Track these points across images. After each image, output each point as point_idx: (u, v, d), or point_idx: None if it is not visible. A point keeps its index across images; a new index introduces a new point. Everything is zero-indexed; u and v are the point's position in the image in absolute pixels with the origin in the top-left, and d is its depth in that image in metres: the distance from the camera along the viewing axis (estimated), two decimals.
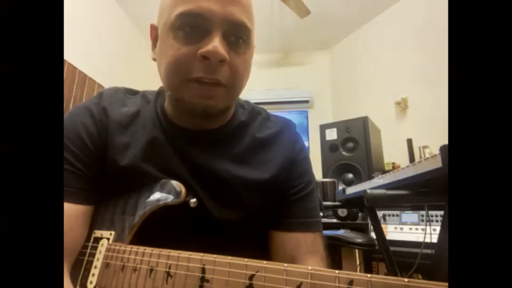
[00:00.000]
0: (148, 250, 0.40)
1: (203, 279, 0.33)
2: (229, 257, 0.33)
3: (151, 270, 0.38)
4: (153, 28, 0.51)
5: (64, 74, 1.84)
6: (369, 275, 0.25)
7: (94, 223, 0.50)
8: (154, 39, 0.51)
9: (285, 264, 0.29)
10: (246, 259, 0.31)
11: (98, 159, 0.49)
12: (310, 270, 0.27)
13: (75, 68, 1.92)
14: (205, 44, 0.43)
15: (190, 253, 0.36)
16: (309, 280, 0.27)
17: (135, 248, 0.42)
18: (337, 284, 0.26)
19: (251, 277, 0.30)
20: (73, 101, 1.89)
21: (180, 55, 0.44)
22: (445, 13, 1.85)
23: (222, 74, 0.44)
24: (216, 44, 0.42)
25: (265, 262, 0.30)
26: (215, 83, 0.44)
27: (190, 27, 0.44)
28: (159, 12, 0.49)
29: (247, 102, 0.61)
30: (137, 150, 0.49)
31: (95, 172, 0.49)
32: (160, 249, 0.39)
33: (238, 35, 0.45)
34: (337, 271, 0.26)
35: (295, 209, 0.53)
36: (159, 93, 0.57)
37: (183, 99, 0.46)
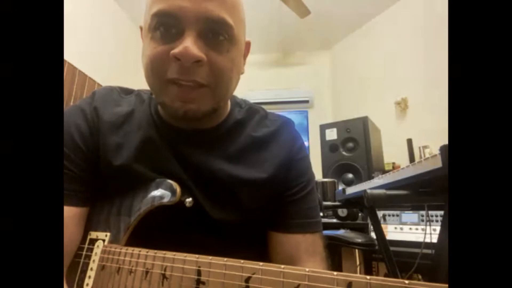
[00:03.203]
0: (144, 251, 0.39)
1: (198, 281, 0.33)
2: (225, 259, 0.32)
3: (147, 272, 0.37)
4: (141, 30, 0.50)
5: (64, 74, 1.84)
6: (368, 277, 0.24)
7: (90, 224, 0.49)
8: None
9: (282, 266, 0.28)
10: (242, 261, 0.31)
11: (91, 160, 0.48)
12: (308, 272, 0.27)
13: (75, 68, 1.92)
14: (178, 44, 0.41)
15: (185, 254, 0.35)
16: (306, 282, 0.26)
17: (130, 249, 0.41)
18: (335, 287, 0.25)
19: (248, 279, 0.30)
20: (73, 101, 1.89)
21: (155, 55, 0.42)
22: (445, 13, 1.85)
23: (200, 75, 0.42)
24: (187, 44, 0.40)
25: (261, 263, 0.30)
26: (195, 85, 0.42)
27: (164, 26, 0.42)
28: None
29: (244, 100, 0.59)
30: (131, 150, 0.48)
31: (88, 173, 0.48)
32: (155, 251, 0.38)
33: (217, 32, 0.43)
34: (335, 273, 0.26)
35: (294, 209, 0.53)
36: None
37: (164, 103, 0.45)
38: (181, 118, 0.45)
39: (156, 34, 0.43)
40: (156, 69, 0.43)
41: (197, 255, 0.34)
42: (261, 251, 0.53)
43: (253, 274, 0.30)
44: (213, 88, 0.44)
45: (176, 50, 0.40)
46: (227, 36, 0.44)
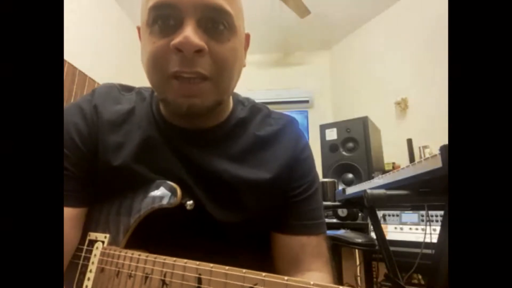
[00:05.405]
0: (143, 255, 0.38)
1: None
2: (227, 267, 0.31)
3: (146, 277, 0.37)
4: (139, 30, 0.48)
5: (64, 74, 1.84)
6: None
7: (89, 224, 0.48)
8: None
9: (285, 278, 0.27)
10: (244, 270, 0.30)
11: (89, 160, 0.47)
12: (312, 285, 0.26)
13: (75, 68, 1.92)
14: (178, 34, 0.40)
15: (185, 260, 0.34)
16: None
17: (129, 253, 0.40)
18: None
19: None
20: (73, 101, 1.89)
21: (156, 49, 0.41)
22: (445, 13, 1.85)
23: (203, 65, 0.41)
24: (187, 33, 0.39)
25: (264, 274, 0.29)
26: (197, 78, 0.41)
27: (162, 19, 0.41)
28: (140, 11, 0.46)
29: (247, 99, 0.58)
30: (132, 150, 0.47)
31: (86, 173, 0.47)
32: (155, 255, 0.37)
33: (216, 21, 0.42)
34: (341, 287, 0.25)
35: (298, 211, 0.51)
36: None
37: (166, 100, 0.44)
38: (184, 114, 0.44)
39: (155, 28, 0.42)
40: (157, 64, 0.42)
41: (197, 262, 0.33)
42: (264, 252, 0.53)
43: (255, 284, 0.29)
44: (216, 80, 0.43)
45: (176, 41, 0.39)
46: (226, 24, 0.43)
